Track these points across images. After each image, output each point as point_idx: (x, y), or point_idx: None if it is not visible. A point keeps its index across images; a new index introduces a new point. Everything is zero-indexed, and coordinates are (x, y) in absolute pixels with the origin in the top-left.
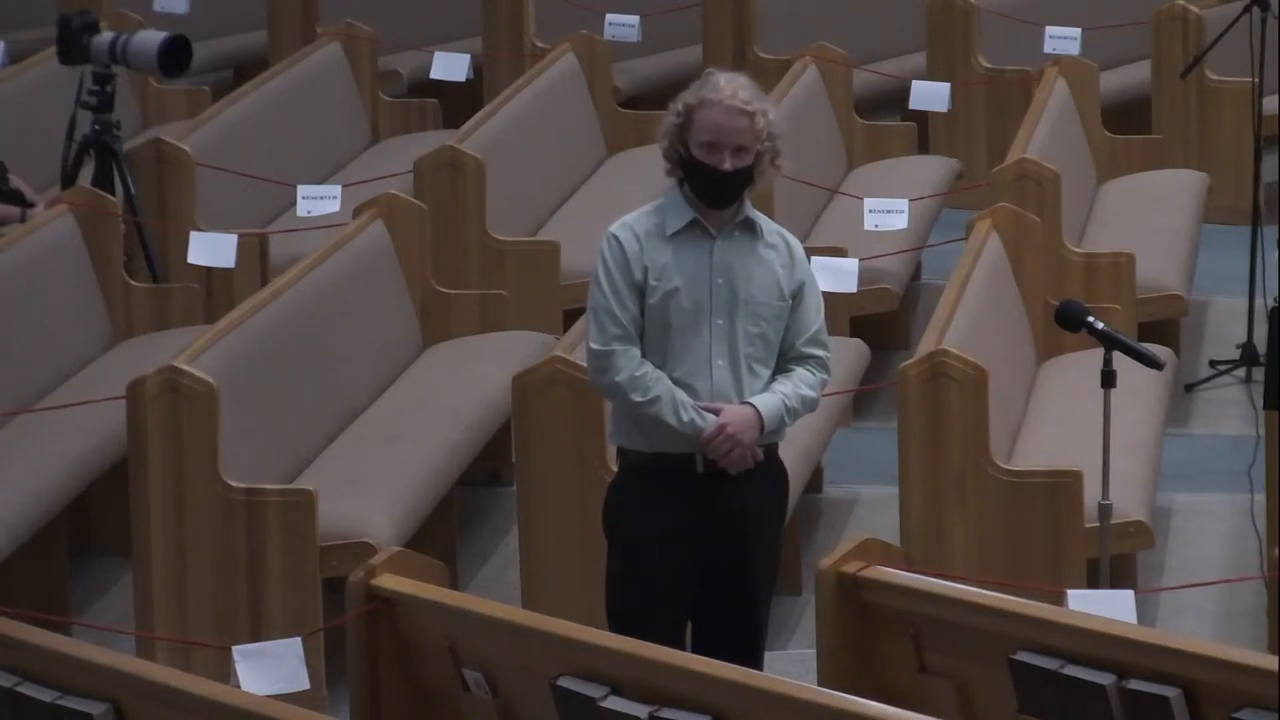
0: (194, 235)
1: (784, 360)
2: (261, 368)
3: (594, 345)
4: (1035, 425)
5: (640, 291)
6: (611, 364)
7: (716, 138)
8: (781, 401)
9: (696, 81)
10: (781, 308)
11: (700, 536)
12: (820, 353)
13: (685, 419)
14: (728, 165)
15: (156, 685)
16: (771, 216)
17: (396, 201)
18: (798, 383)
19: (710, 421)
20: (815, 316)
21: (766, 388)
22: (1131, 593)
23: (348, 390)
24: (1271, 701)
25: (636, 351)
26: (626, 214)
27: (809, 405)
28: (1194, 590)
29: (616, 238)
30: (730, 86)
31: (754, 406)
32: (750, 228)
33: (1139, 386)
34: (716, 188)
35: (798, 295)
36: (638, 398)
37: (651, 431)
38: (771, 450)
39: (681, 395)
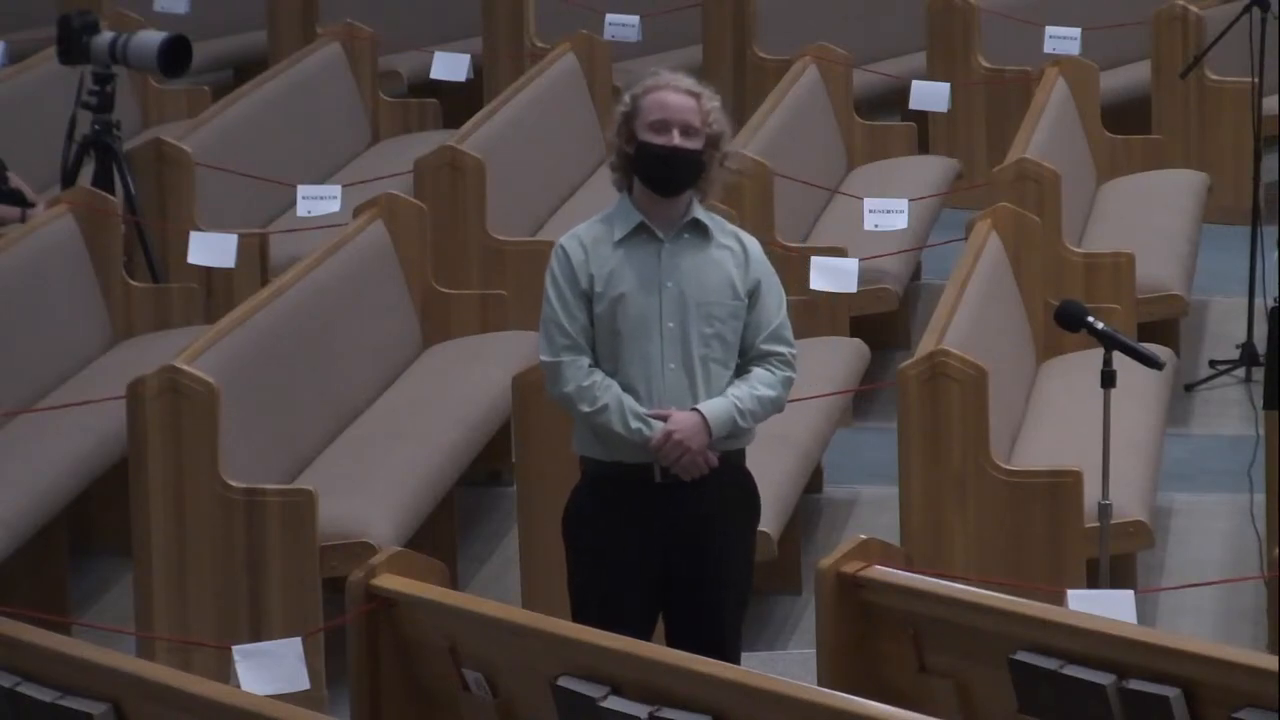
0: (194, 235)
1: (745, 360)
2: (261, 368)
3: (543, 357)
4: (1035, 425)
5: (588, 300)
6: (560, 375)
7: (664, 115)
8: (732, 405)
9: (642, 80)
10: (736, 307)
11: (661, 547)
12: (781, 349)
13: (633, 427)
14: (676, 141)
15: (156, 685)
16: (771, 217)
17: (396, 201)
18: (753, 384)
19: (658, 429)
20: (775, 314)
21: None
22: (1131, 593)
23: (348, 390)
24: (1271, 701)
25: (585, 361)
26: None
27: (768, 405)
28: (1194, 590)
29: (563, 248)
30: (675, 75)
31: (700, 412)
32: (700, 229)
33: (1139, 386)
34: (667, 167)
35: (754, 294)
36: (586, 408)
37: (607, 440)
38: (737, 458)
39: (630, 403)
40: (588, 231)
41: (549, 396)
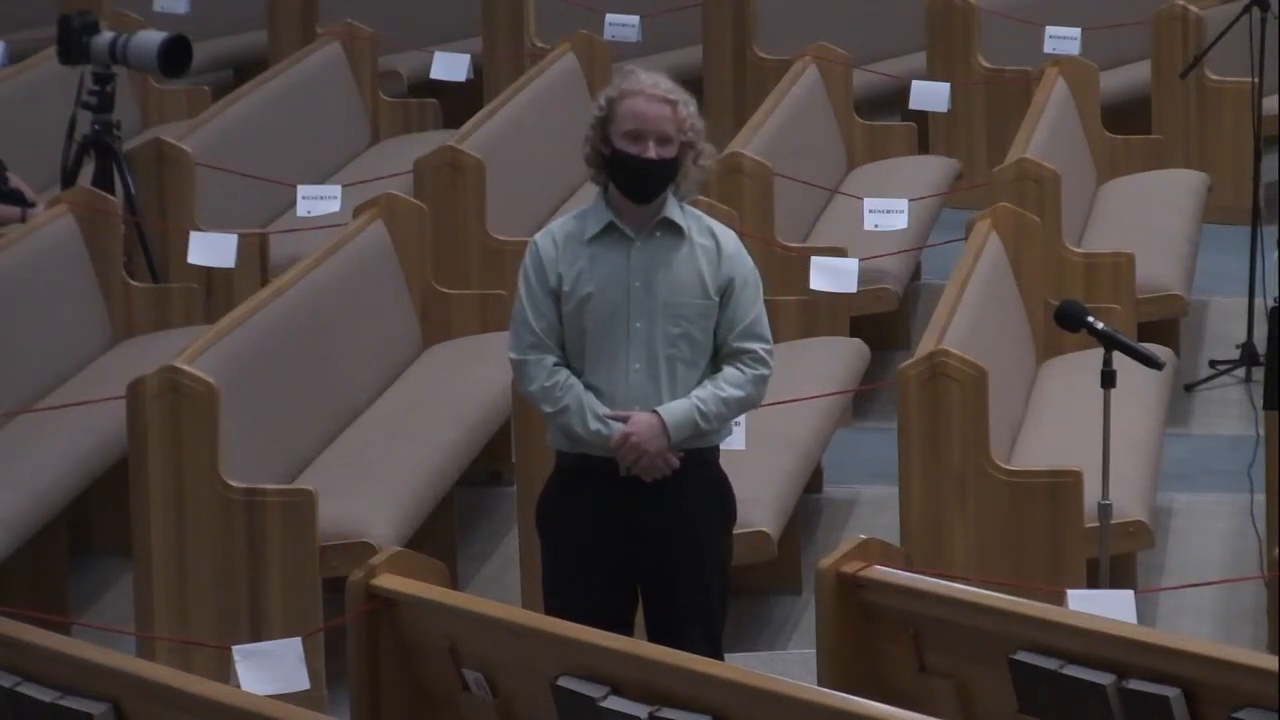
0: (194, 235)
1: (718, 357)
2: (261, 368)
3: (510, 355)
4: (1035, 425)
5: (556, 297)
6: (525, 374)
7: (640, 125)
8: (694, 407)
9: (615, 79)
10: (706, 306)
11: (628, 540)
12: (754, 346)
13: (592, 428)
14: (652, 153)
15: (156, 685)
16: (771, 217)
17: (396, 201)
18: (720, 384)
19: (616, 430)
20: (749, 309)
21: (695, 388)
22: (1131, 593)
23: (348, 390)
24: (1271, 701)
25: (550, 359)
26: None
27: (734, 405)
28: (1194, 590)
29: (536, 245)
30: (651, 78)
31: (659, 415)
32: (672, 227)
33: (1139, 386)
34: (642, 178)
35: (727, 290)
36: (548, 408)
37: (573, 435)
38: (708, 455)
39: (591, 403)
40: (562, 228)
41: (520, 392)
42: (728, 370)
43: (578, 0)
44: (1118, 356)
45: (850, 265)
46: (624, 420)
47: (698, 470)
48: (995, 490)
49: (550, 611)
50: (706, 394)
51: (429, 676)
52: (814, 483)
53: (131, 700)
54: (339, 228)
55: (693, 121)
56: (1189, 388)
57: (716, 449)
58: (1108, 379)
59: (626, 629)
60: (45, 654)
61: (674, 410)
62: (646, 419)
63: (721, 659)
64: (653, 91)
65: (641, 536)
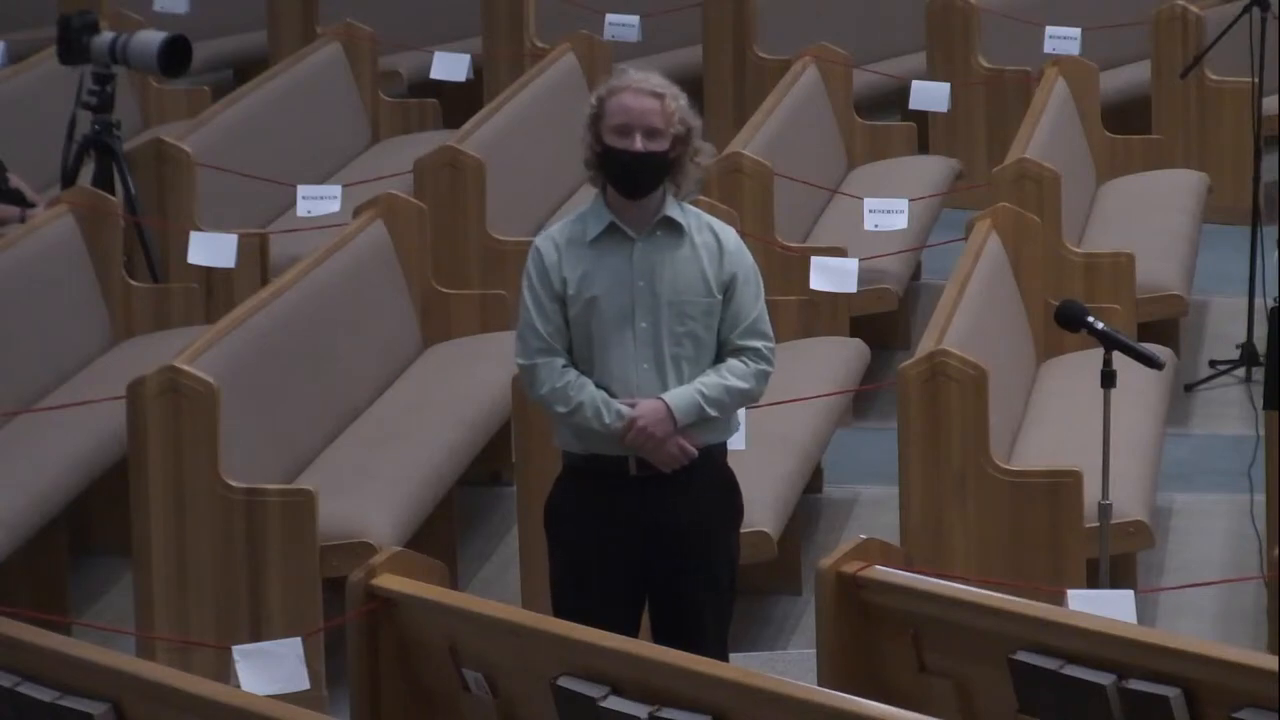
0: (194, 235)
1: (723, 353)
2: (261, 368)
3: (518, 360)
4: (1035, 425)
5: (562, 301)
6: (535, 378)
7: (627, 119)
8: (697, 392)
9: (609, 79)
10: (710, 304)
11: (638, 541)
12: (757, 344)
13: (609, 422)
14: (639, 146)
15: (156, 685)
16: (771, 217)
17: (396, 201)
18: (723, 374)
19: (625, 414)
20: (751, 307)
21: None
22: (1131, 593)
23: (348, 390)
24: (1271, 701)
25: (559, 362)
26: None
27: (738, 396)
28: (1194, 590)
29: (538, 249)
30: (641, 75)
31: (664, 400)
32: (673, 226)
33: (1139, 386)
34: (631, 172)
35: (730, 288)
36: (562, 409)
37: (585, 435)
38: (717, 455)
39: (604, 398)
40: (562, 232)
41: (530, 398)
42: (731, 362)
43: (578, 0)
44: (1118, 356)
45: (850, 265)
46: (631, 407)
47: (707, 468)
48: (995, 490)
49: (559, 613)
50: (711, 381)
51: (429, 676)
52: (814, 483)
53: (131, 700)
54: (339, 228)
55: (683, 115)
56: (1189, 388)
57: (725, 447)
58: (1108, 379)
59: (636, 630)
60: (45, 654)
61: (678, 395)
62: (652, 405)
63: (727, 658)
64: (640, 86)
65: (654, 536)
